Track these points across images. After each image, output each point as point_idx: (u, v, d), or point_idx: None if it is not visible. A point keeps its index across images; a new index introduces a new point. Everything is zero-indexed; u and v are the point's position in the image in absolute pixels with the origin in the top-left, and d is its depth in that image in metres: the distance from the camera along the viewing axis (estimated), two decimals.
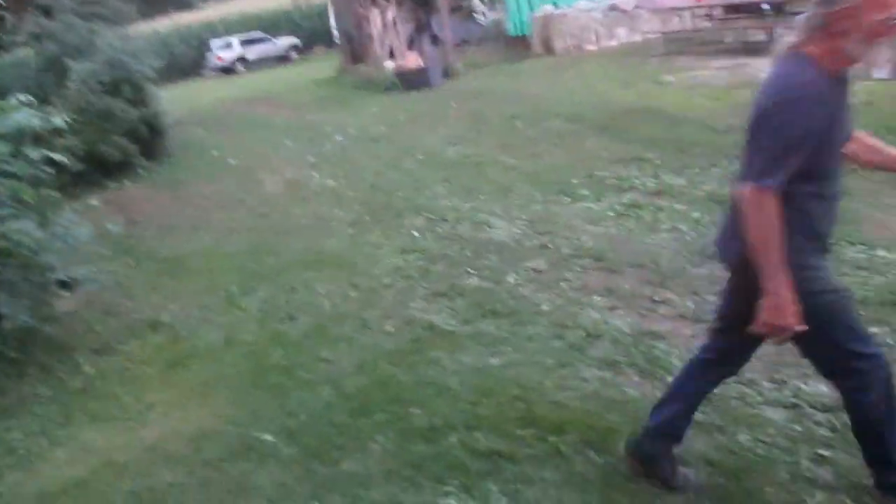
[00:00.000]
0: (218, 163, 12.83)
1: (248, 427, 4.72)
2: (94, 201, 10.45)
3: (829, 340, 2.99)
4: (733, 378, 4.27)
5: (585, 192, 8.15)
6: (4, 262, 6.16)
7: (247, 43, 29.14)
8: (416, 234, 7.76)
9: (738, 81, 12.33)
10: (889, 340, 4.51)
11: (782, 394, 4.16)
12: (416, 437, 4.28)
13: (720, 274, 5.70)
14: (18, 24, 14.44)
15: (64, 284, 6.84)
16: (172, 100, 16.84)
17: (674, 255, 6.19)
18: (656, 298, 5.54)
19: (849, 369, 3.02)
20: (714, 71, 13.56)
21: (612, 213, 7.40)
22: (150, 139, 12.87)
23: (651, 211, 7.25)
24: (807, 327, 2.83)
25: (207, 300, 6.95)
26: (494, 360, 5.00)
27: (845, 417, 3.83)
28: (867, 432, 3.17)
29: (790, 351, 4.52)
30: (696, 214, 6.95)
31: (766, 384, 4.27)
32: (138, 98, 12.51)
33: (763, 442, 3.79)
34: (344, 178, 10.52)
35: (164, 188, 11.66)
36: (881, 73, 10.80)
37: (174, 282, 7.56)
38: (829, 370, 3.14)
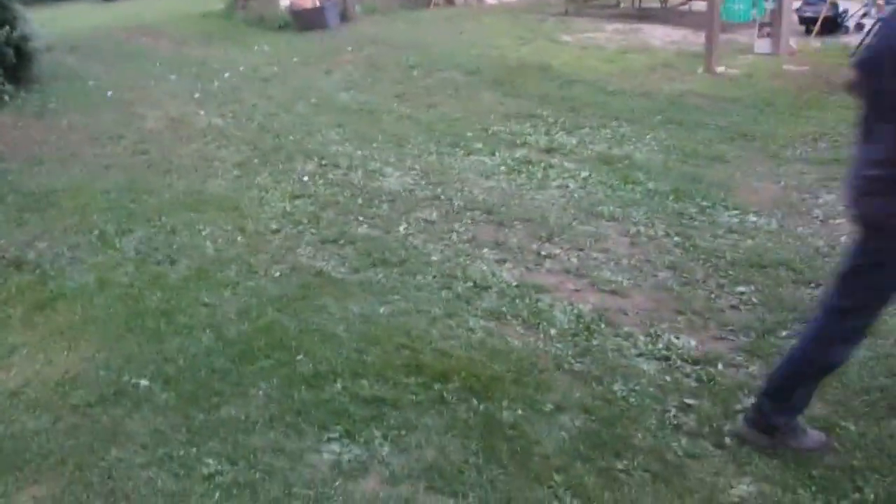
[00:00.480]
0: (93, 94, 11.97)
1: (121, 372, 4.51)
2: None
3: (882, 285, 3.07)
4: (611, 331, 4.47)
5: (479, 145, 8.18)
6: None
7: None
8: (306, 179, 7.57)
9: (630, 45, 12.65)
10: (753, 299, 4.82)
11: (656, 347, 4.37)
12: (300, 383, 4.22)
13: (604, 233, 5.94)
14: None
15: None
16: (43, 23, 15.49)
17: (562, 212, 6.34)
18: (543, 253, 5.67)
19: (858, 316, 3.14)
20: (609, 34, 13.83)
21: (504, 168, 7.47)
22: (16, 63, 11.85)
23: (542, 167, 7.37)
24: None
25: (78, 239, 6.53)
26: (382, 309, 4.98)
27: (712, 370, 4.10)
28: (798, 371, 3.33)
29: (665, 306, 4.78)
30: (584, 173, 7.13)
31: (641, 338, 4.47)
32: (4, 18, 11.47)
33: (635, 391, 3.98)
34: (232, 118, 10.09)
35: (32, 117, 10.79)
36: (762, 47, 11.36)
37: (41, 218, 7.04)
38: (848, 306, 3.15)
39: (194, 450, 3.77)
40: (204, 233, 6.44)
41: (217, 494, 3.47)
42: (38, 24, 13.49)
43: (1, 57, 11.45)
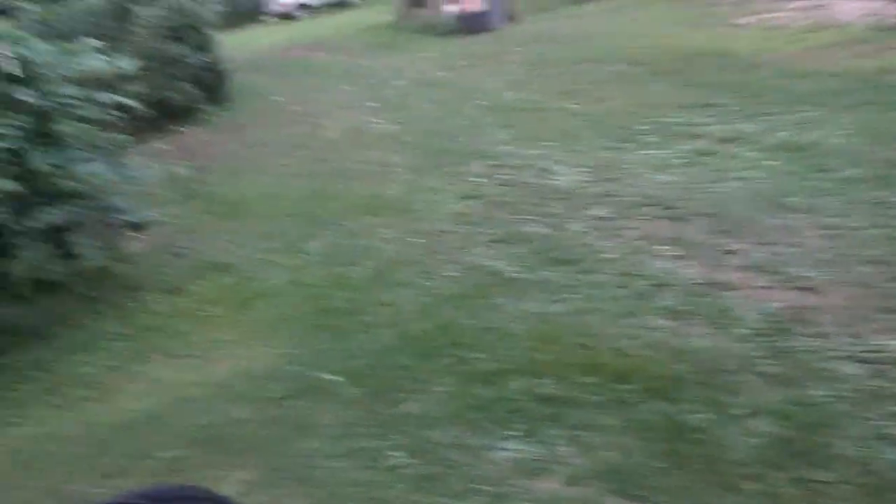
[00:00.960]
0: (279, 108, 12.87)
1: (312, 367, 4.80)
2: (161, 145, 10.64)
3: None
4: (807, 331, 4.16)
5: (651, 138, 7.91)
6: (77, 204, 6.33)
7: None
8: (476, 180, 7.68)
9: (817, 23, 11.70)
10: None
11: (859, 348, 4.01)
12: (479, 381, 4.28)
13: (794, 225, 5.54)
14: None
15: (134, 226, 7.01)
16: (233, 45, 16.89)
17: (745, 205, 5.98)
18: (726, 248, 5.38)
19: None
20: (791, 12, 12.88)
21: (678, 161, 7.18)
22: (213, 85, 12.97)
23: (721, 158, 7.00)
24: None
25: (272, 243, 7.04)
26: (558, 307, 4.95)
27: None
28: None
29: (868, 304, 4.38)
30: (769, 163, 6.69)
31: (841, 338, 4.12)
32: (201, 44, 12.59)
33: (836, 397, 3.67)
34: (404, 124, 10.45)
35: (228, 133, 11.78)
36: None
37: (239, 225, 7.67)
38: None
39: (381, 443, 3.94)
40: (383, 235, 6.71)
41: (401, 486, 3.60)
42: (228, 47, 14.70)
43: (201, 79, 12.57)
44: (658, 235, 5.76)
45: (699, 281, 4.98)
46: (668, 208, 6.18)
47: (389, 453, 3.84)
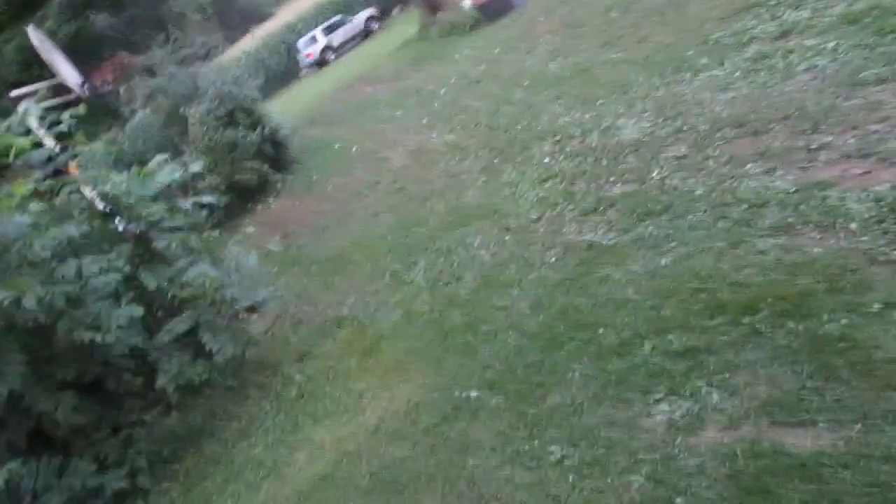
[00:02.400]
0: (342, 154, 13.27)
1: (451, 389, 4.99)
2: (249, 228, 11.20)
3: None
4: None
5: (703, 61, 7.71)
6: (197, 307, 6.80)
7: (328, 30, 29.61)
8: (547, 160, 7.71)
9: None
10: None
11: None
12: (610, 355, 4.34)
13: (876, 100, 5.29)
14: (131, 92, 15.56)
15: (251, 309, 7.44)
16: (282, 109, 17.53)
17: (819, 96, 5.77)
18: (812, 146, 5.21)
19: None
20: None
21: (739, 73, 6.97)
22: (275, 154, 13.53)
23: (780, 57, 6.75)
24: None
25: (376, 285, 7.32)
26: (664, 261, 4.94)
27: None
28: None
29: None
30: (831, 44, 6.40)
31: None
32: (254, 121, 13.15)
33: None
34: (462, 129, 10.58)
35: (303, 193, 12.25)
36: None
37: (341, 278, 8.00)
38: None
39: (537, 442, 4.07)
40: (476, 244, 6.85)
41: (570, 476, 3.72)
42: (278, 113, 15.27)
43: (264, 152, 13.13)
44: (741, 155, 5.64)
45: (796, 188, 4.85)
46: (743, 125, 6.03)
47: (549, 449, 3.97)
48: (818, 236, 4.32)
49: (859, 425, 3.11)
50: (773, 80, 6.48)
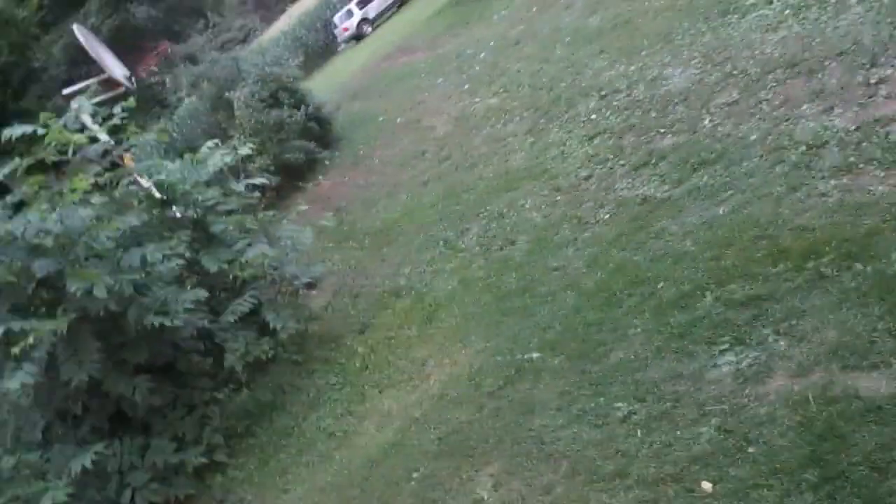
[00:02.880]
0: (386, 126, 13.29)
1: (512, 352, 5.02)
2: (301, 206, 11.34)
3: None
4: None
5: (750, 0, 7.45)
6: (257, 286, 6.97)
7: (362, 3, 29.52)
8: (594, 117, 7.60)
9: None
10: None
11: None
12: (671, 309, 4.31)
13: None
14: (176, 80, 15.83)
15: (310, 285, 7.58)
16: (323, 86, 17.61)
17: (875, 28, 5.53)
18: (871, 81, 5.02)
19: None
20: None
21: (789, 11, 6.72)
22: (321, 131, 13.62)
23: None
24: None
25: (430, 253, 7.36)
26: (720, 210, 4.85)
27: None
28: None
29: None
30: None
31: None
32: (297, 99, 13.25)
33: None
34: (504, 92, 10.47)
35: (350, 168, 12.34)
36: None
37: (395, 249, 8.07)
38: None
39: (602, 399, 4.08)
40: (527, 206, 6.83)
41: (639, 432, 3.72)
42: (320, 90, 15.34)
43: (309, 131, 13.23)
44: (796, 97, 5.47)
45: (856, 126, 4.70)
46: (795, 65, 5.84)
47: (615, 405, 3.97)
48: (882, 174, 4.18)
49: None
50: (825, 15, 6.24)
